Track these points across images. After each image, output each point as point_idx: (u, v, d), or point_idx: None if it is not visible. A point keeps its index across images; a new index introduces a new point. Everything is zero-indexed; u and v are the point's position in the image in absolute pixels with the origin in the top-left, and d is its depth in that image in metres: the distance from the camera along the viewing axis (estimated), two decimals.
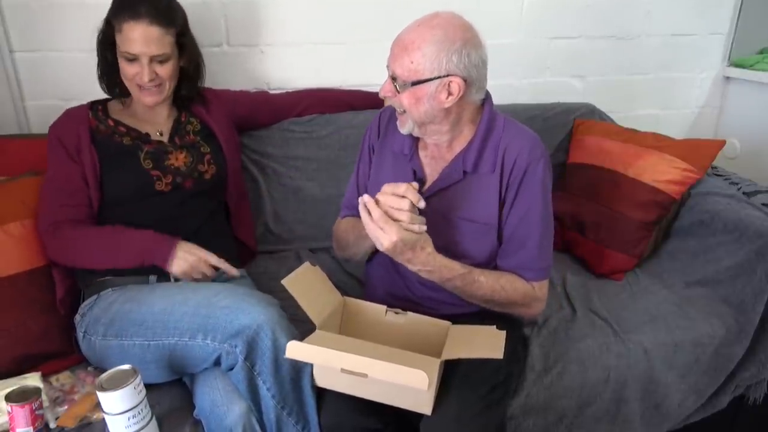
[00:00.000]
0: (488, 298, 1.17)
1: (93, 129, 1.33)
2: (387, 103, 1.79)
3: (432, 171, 1.22)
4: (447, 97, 1.10)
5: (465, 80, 1.09)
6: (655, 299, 1.54)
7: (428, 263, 1.09)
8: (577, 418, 1.33)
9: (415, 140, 1.23)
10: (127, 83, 1.32)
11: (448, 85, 1.09)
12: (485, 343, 1.03)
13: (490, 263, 1.21)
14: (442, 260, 1.11)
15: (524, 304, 1.21)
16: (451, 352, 1.02)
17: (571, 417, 1.32)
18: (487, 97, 1.19)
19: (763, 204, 1.58)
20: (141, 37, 1.24)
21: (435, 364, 1.00)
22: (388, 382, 0.95)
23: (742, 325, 1.43)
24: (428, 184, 1.22)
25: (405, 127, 1.17)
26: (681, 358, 1.39)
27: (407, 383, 0.93)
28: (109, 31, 1.29)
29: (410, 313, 1.20)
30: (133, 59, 1.27)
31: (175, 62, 1.33)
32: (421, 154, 1.24)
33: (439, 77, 1.08)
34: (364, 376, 0.96)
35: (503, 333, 1.06)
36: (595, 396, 1.33)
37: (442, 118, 1.14)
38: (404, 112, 1.14)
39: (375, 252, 1.29)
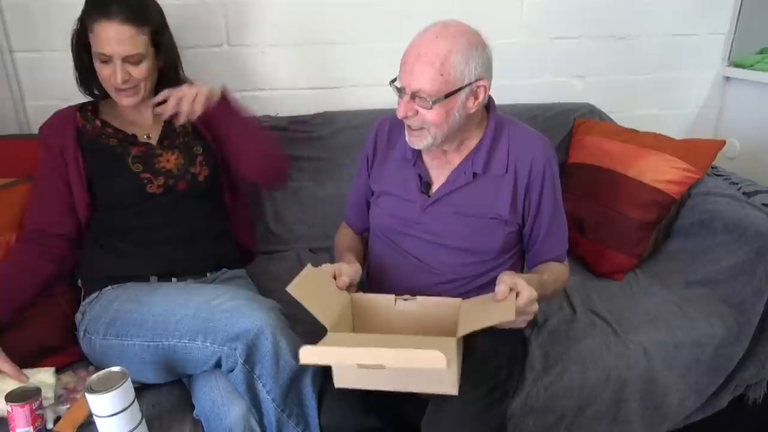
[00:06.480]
0: (555, 290, 1.25)
1: (80, 129, 1.31)
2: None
3: (438, 174, 1.22)
4: (474, 102, 1.09)
5: (488, 81, 1.09)
6: (655, 299, 1.53)
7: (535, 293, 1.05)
8: (577, 418, 1.33)
9: None
10: (103, 84, 1.29)
11: (475, 89, 1.08)
12: (497, 308, 1.02)
13: (500, 256, 1.22)
14: (530, 279, 1.08)
15: (564, 282, 1.31)
16: (466, 327, 1.00)
17: (571, 417, 1.32)
18: (490, 99, 1.19)
19: (763, 204, 1.58)
20: (113, 37, 1.20)
21: (451, 343, 0.98)
22: (406, 369, 0.94)
23: (742, 325, 1.43)
24: (435, 187, 1.21)
25: (422, 142, 1.13)
26: (681, 358, 1.39)
27: (425, 366, 0.90)
28: (82, 31, 1.26)
29: (420, 297, 1.16)
30: (106, 60, 1.23)
31: (151, 62, 1.28)
32: (425, 158, 1.23)
33: (469, 84, 1.06)
34: (381, 367, 0.94)
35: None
36: (595, 396, 1.33)
37: (464, 125, 1.13)
38: (421, 128, 1.11)
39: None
